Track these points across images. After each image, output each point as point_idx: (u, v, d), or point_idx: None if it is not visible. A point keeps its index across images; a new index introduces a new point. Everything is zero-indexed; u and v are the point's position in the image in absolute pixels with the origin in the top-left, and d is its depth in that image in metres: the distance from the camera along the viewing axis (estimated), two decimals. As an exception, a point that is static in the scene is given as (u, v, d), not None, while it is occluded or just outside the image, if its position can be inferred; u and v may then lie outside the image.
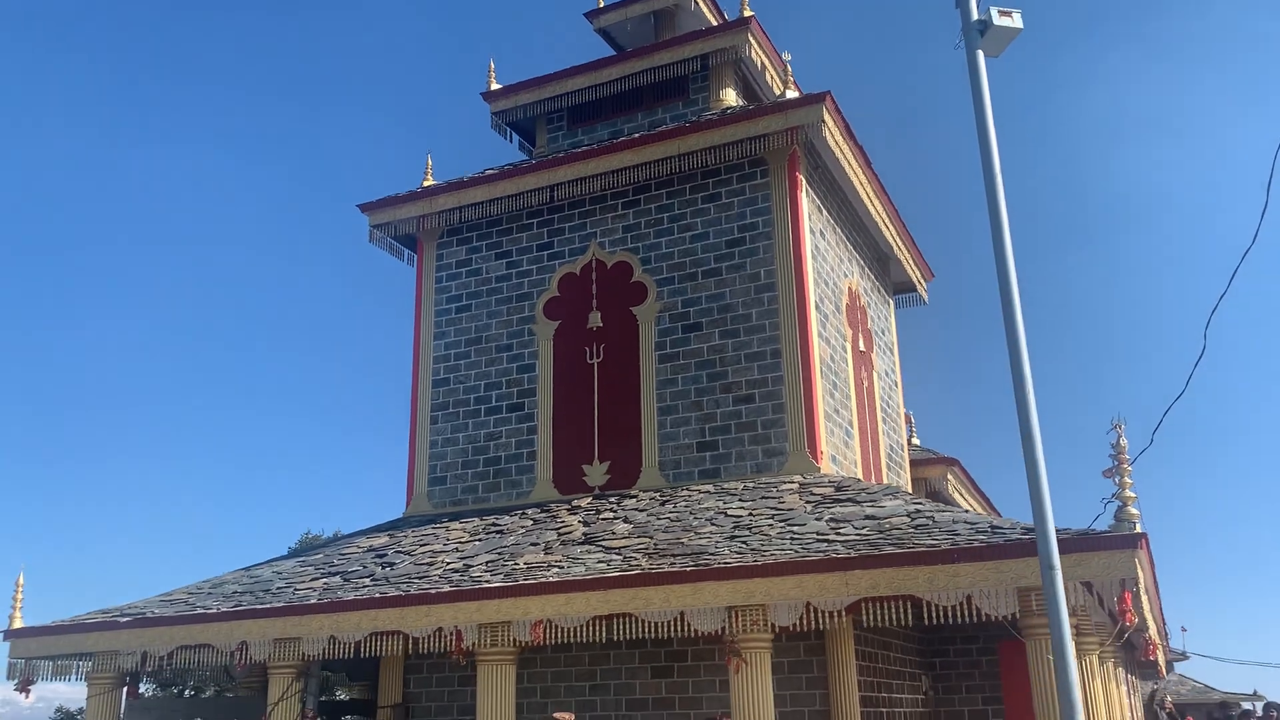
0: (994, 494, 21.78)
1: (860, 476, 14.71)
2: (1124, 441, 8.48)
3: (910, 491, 16.93)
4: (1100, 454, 7.51)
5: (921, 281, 19.28)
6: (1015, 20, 6.22)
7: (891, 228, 17.40)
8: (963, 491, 19.34)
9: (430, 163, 16.84)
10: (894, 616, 9.25)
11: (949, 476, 18.63)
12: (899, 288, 19.27)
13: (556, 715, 9.44)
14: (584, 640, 10.70)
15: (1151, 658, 12.18)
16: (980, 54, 6.32)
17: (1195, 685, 37.23)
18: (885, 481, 16.13)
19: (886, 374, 17.70)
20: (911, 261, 18.58)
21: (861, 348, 16.14)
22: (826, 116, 13.85)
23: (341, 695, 23.47)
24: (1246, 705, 32.12)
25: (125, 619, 12.55)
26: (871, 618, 9.28)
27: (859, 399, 15.57)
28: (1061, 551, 8.59)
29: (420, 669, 14.34)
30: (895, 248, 17.83)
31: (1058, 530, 8.92)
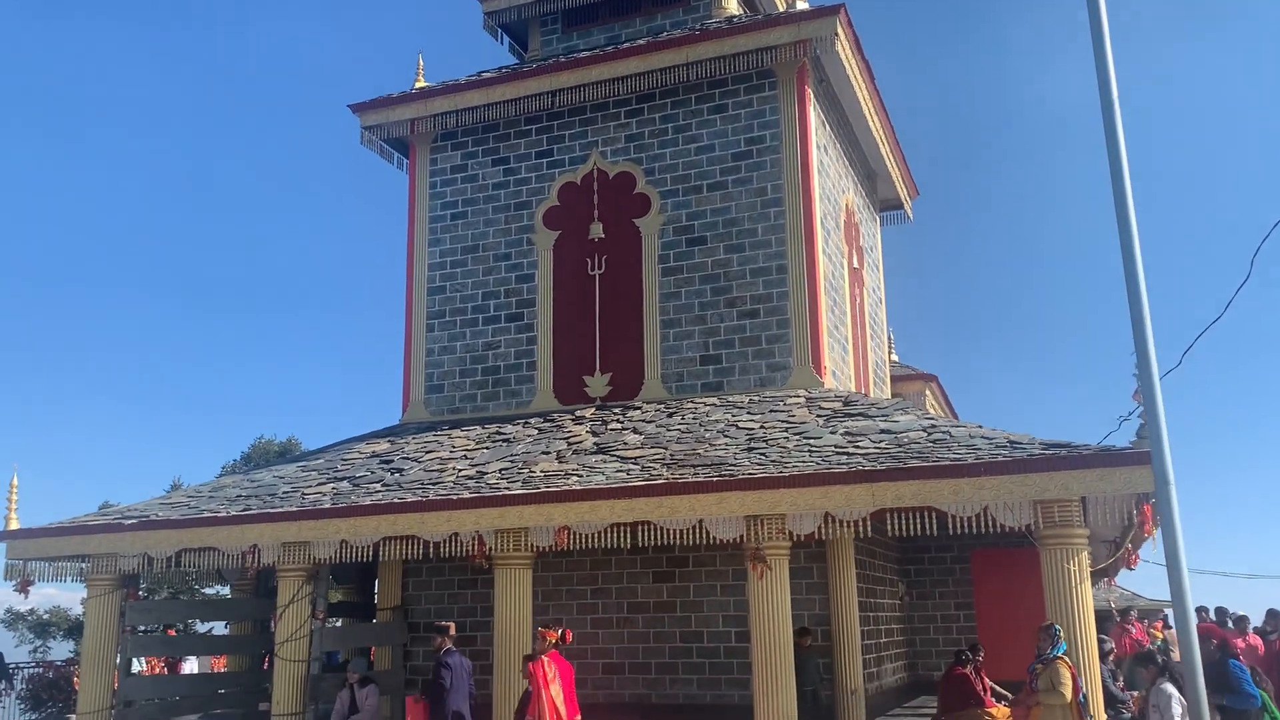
0: (964, 409, 22.41)
1: (853, 391, 15.02)
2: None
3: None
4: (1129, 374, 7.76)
5: (908, 199, 19.45)
6: None
7: (886, 145, 17.46)
8: (938, 406, 19.87)
9: (421, 63, 16.39)
10: (916, 526, 9.59)
11: (927, 392, 19.12)
12: (885, 204, 19.43)
13: (540, 630, 9.49)
14: (587, 545, 10.92)
15: (1133, 567, 12.85)
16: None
17: (1123, 592, 39.30)
18: (872, 396, 16.50)
19: (873, 291, 17.96)
20: (900, 178, 18.71)
21: (855, 264, 16.33)
22: (840, 30, 13.75)
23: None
24: (1168, 612, 34.06)
25: (130, 521, 12.47)
26: (895, 528, 9.61)
27: (853, 315, 15.82)
28: (1084, 466, 8.99)
29: (419, 573, 14.54)
30: (888, 165, 17.91)
31: (1078, 445, 9.30)
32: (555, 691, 8.81)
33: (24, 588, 12.97)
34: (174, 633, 20.28)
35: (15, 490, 13.15)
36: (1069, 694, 8.19)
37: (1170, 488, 6.28)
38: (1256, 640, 14.36)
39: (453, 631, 11.51)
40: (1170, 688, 8.08)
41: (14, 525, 13.00)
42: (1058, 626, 8.88)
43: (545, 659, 8.99)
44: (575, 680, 9.51)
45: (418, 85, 16.00)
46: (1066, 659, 8.51)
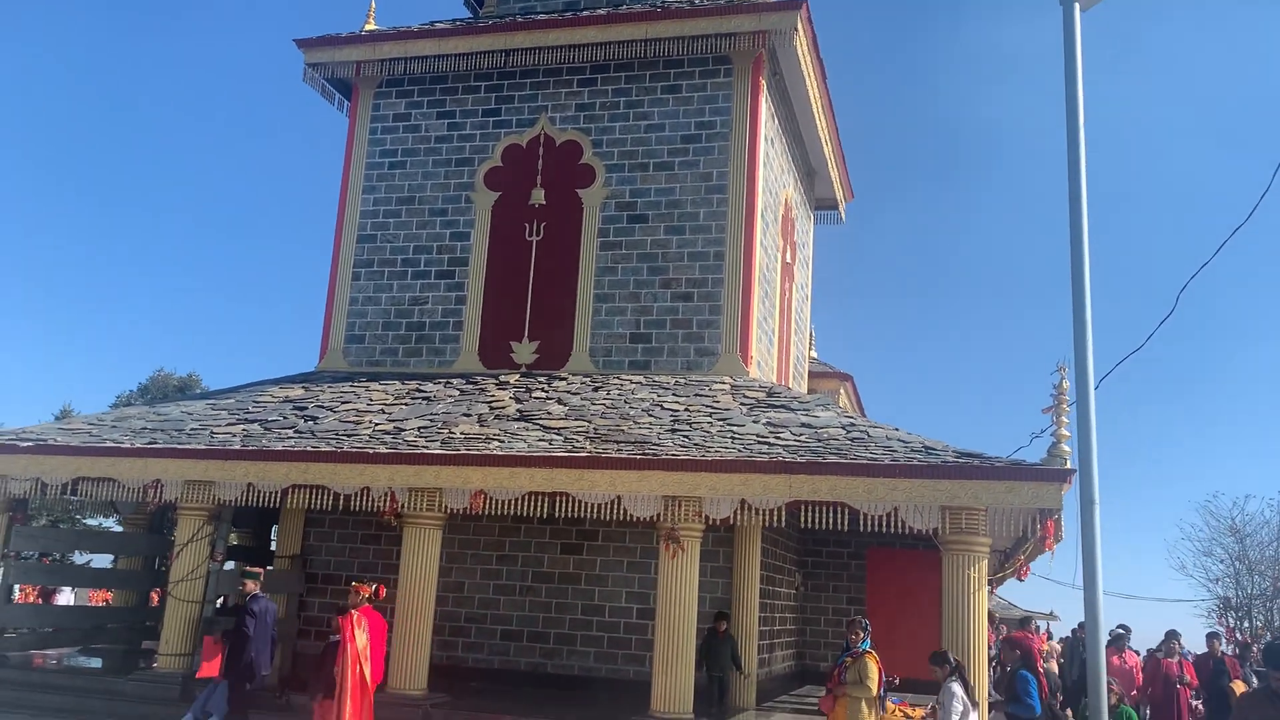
0: (874, 411, 22.90)
1: (775, 383, 15.26)
2: (1065, 383, 9.15)
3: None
4: (1041, 393, 8.09)
5: (843, 201, 19.75)
6: None
7: (830, 145, 17.69)
8: (851, 406, 20.30)
9: (374, 5, 15.98)
10: (827, 520, 9.82)
11: (842, 391, 19.51)
12: (820, 203, 19.69)
13: (354, 585, 9.62)
14: (499, 512, 10.92)
15: (1023, 578, 13.38)
16: (1077, 7, 6.52)
17: (1000, 601, 40.94)
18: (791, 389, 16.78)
19: (802, 287, 18.22)
20: (839, 180, 18.99)
21: (788, 259, 16.54)
22: (800, 25, 13.85)
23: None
24: (1040, 624, 35.55)
25: (25, 443, 11.98)
26: (807, 520, 9.82)
27: (781, 309, 16.03)
28: (995, 477, 9.32)
29: (321, 524, 14.30)
30: (828, 164, 18.16)
31: (991, 458, 9.63)
32: (362, 644, 9.01)
33: (-98, 503, 12.34)
34: (48, 561, 19.59)
35: (-99, 400, 12.49)
36: (875, 687, 8.52)
37: (1095, 507, 6.56)
38: (1133, 659, 15.04)
39: (262, 578, 11.27)
40: (956, 687, 8.48)
41: (-104, 437, 12.37)
42: (867, 621, 9.25)
43: (355, 613, 9.16)
44: (384, 638, 9.58)
45: (367, 28, 15.60)
46: (874, 653, 8.84)
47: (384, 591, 9.69)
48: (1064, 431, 9.20)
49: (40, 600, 17.77)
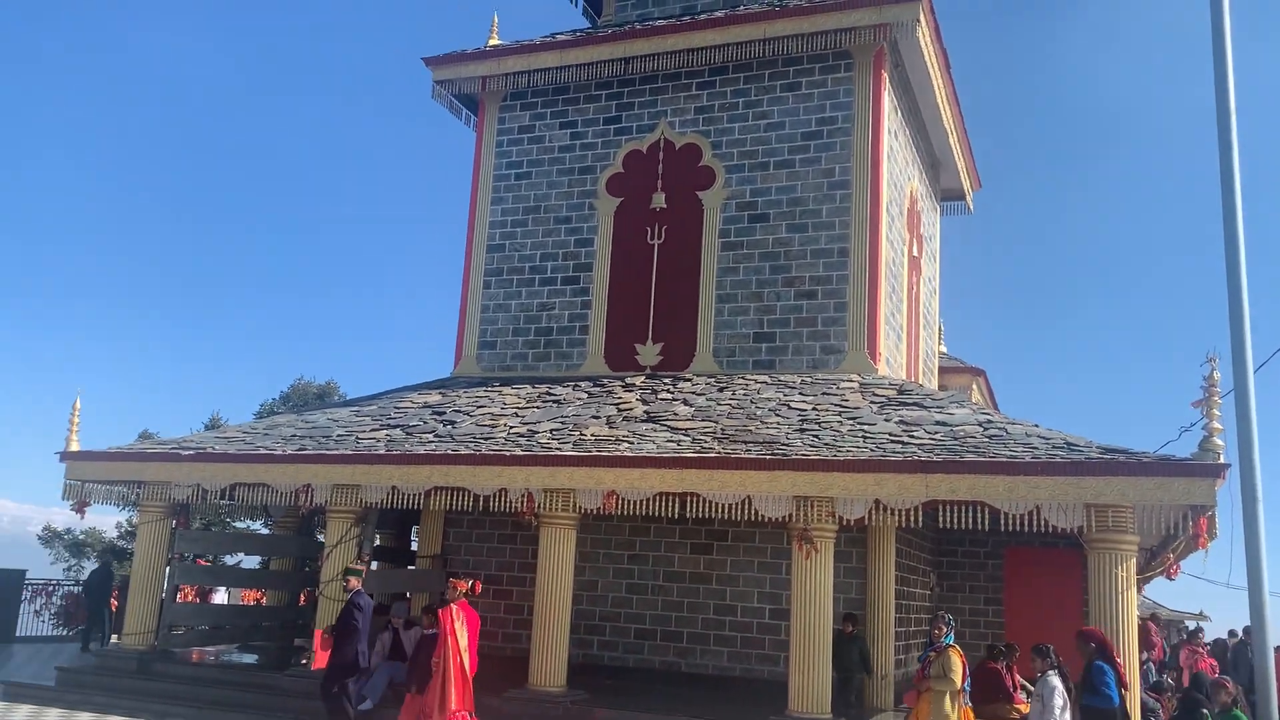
0: (1008, 406, 22.28)
1: (905, 379, 15.01)
2: (1216, 375, 8.75)
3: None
4: (1189, 386, 7.77)
5: (970, 191, 19.29)
6: None
7: (955, 134, 17.31)
8: (984, 401, 19.80)
9: (496, 22, 16.42)
10: (964, 519, 9.65)
11: (974, 386, 19.05)
12: (946, 194, 19.28)
13: (451, 580, 10.03)
14: (630, 512, 11.08)
15: (1173, 577, 12.84)
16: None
17: (1145, 601, 39.19)
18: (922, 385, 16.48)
19: (929, 280, 17.88)
20: (965, 169, 18.55)
21: (914, 253, 16.26)
22: (922, 16, 13.62)
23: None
24: (1191, 625, 33.85)
25: (187, 451, 12.76)
26: (945, 520, 9.67)
27: (909, 304, 15.78)
28: (1142, 473, 8.99)
29: (460, 524, 14.77)
30: (953, 154, 17.77)
31: (1139, 454, 9.29)
32: (461, 637, 9.36)
33: (81, 508, 13.33)
34: (205, 563, 20.77)
35: (78, 414, 13.47)
36: (959, 681, 8.43)
37: (1258, 503, 6.29)
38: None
39: (364, 574, 11.57)
40: (1055, 680, 8.38)
41: (75, 447, 13.34)
42: (950, 616, 9.13)
43: (454, 607, 9.51)
44: (478, 631, 9.86)
45: (491, 43, 16.03)
46: (958, 647, 8.72)
47: (480, 587, 10.21)
48: (1216, 425, 8.80)
49: (198, 600, 18.87)
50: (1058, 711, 8.22)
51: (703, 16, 15.00)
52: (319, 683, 10.47)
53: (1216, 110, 6.31)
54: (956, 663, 8.59)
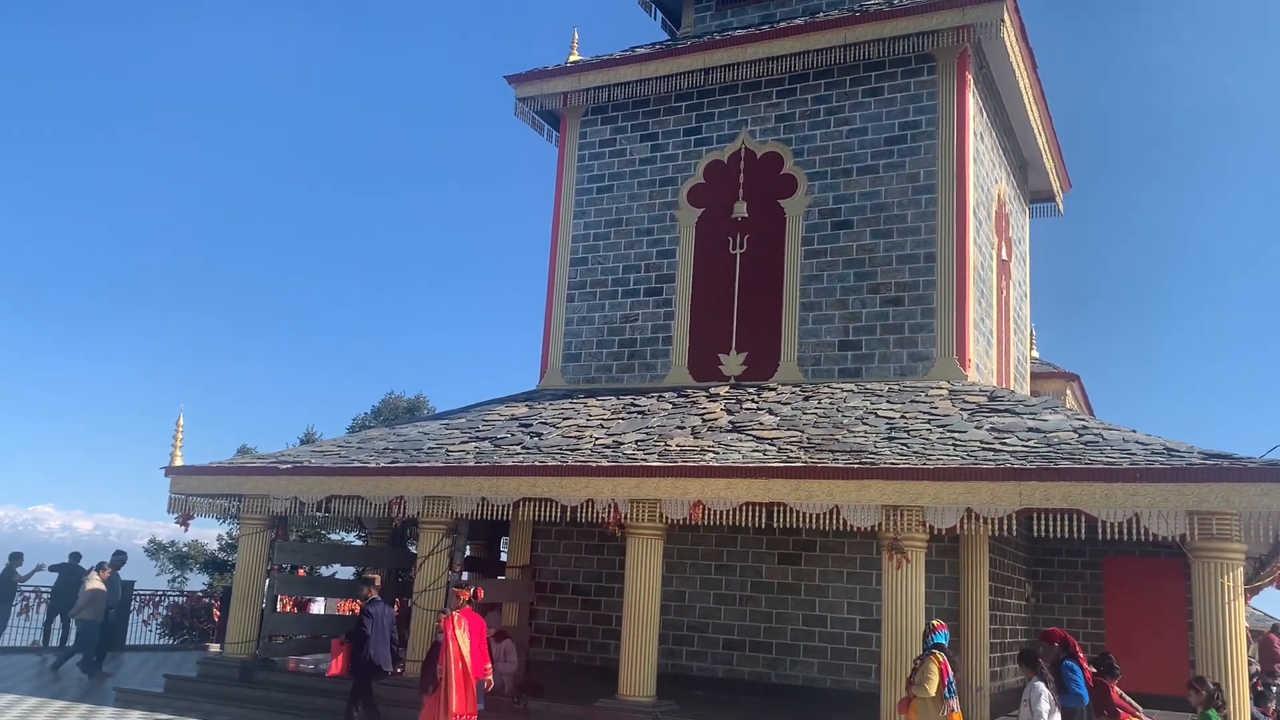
0: (1104, 412, 21.63)
1: (996, 386, 14.71)
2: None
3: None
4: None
5: (1060, 192, 18.83)
6: None
7: (1043, 135, 16.94)
8: (1079, 407, 19.27)
9: (576, 37, 16.62)
10: (1059, 528, 9.42)
11: (1068, 391, 18.56)
12: (1035, 196, 18.86)
13: (455, 590, 10.44)
14: (715, 522, 11.06)
15: (1278, 586, 12.32)
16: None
17: (1253, 612, 37.55)
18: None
19: (1019, 284, 17.50)
20: (1054, 170, 18.13)
21: (1003, 256, 15.94)
22: (1006, 15, 13.38)
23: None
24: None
25: (285, 465, 13.16)
26: (1040, 528, 9.44)
27: (998, 309, 15.46)
28: (1248, 479, 8.66)
29: (548, 534, 14.93)
30: (1042, 155, 17.38)
31: (1243, 459, 8.94)
32: (463, 641, 9.87)
33: (184, 521, 13.85)
34: (302, 574, 21.35)
35: (181, 430, 14.01)
36: (933, 689, 8.50)
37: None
38: None
39: (378, 583, 12.00)
40: (1041, 685, 8.53)
41: (179, 462, 13.87)
42: (934, 622, 8.98)
43: (456, 614, 10.04)
44: (484, 635, 10.32)
45: (571, 59, 16.24)
46: (938, 653, 8.65)
47: (481, 594, 10.75)
48: (1330, 428, 8.43)
49: (296, 610, 19.40)
50: (1045, 716, 8.37)
51: (782, 25, 14.97)
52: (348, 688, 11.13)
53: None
54: (934, 669, 8.66)
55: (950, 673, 8.65)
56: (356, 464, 12.81)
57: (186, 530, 14.33)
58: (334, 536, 33.29)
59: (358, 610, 12.56)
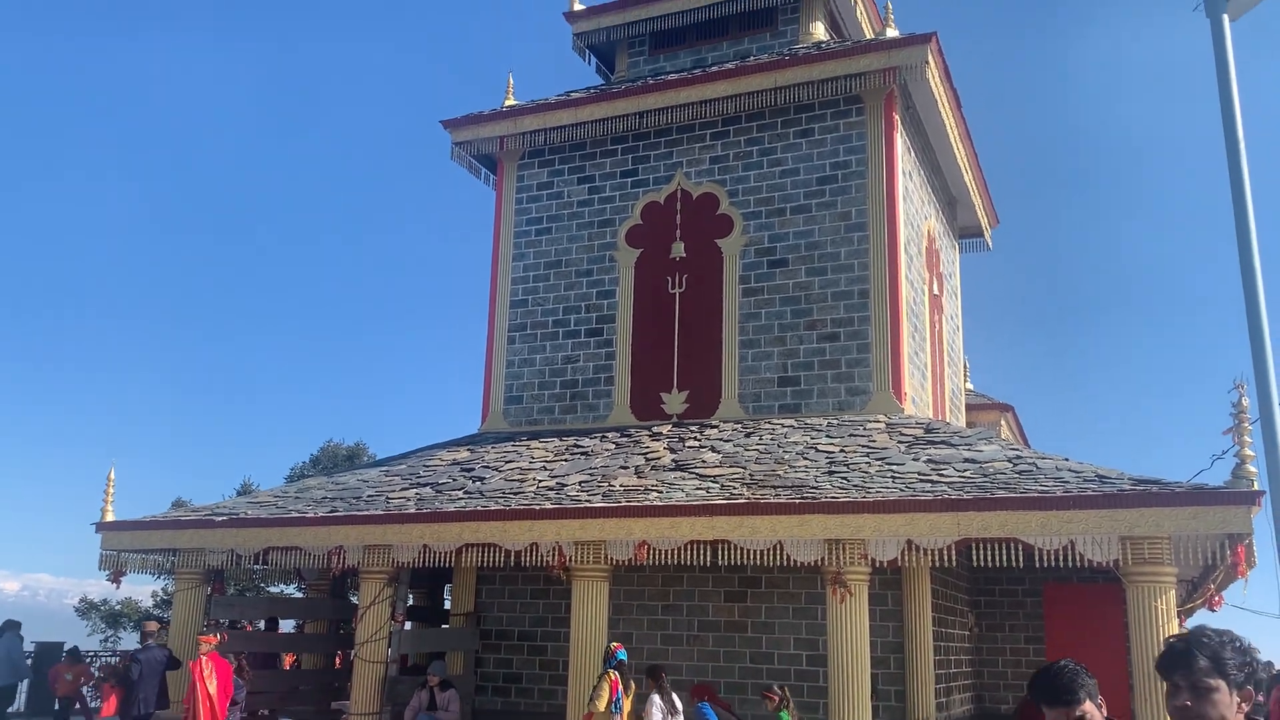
0: (1038, 441, 22.07)
1: (932, 418, 14.96)
2: (1245, 401, 8.70)
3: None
4: (1218, 412, 7.72)
5: (988, 227, 19.34)
6: None
7: (969, 172, 17.41)
8: (1014, 437, 19.65)
9: (511, 82, 16.75)
10: (999, 557, 9.56)
11: (1003, 422, 18.94)
12: (964, 231, 19.33)
13: (200, 637, 11.29)
14: (661, 562, 11.06)
15: (1215, 609, 12.63)
16: (1226, 19, 6.37)
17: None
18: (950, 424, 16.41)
19: (952, 318, 17.88)
20: (982, 207, 18.62)
21: (935, 291, 16.28)
22: (930, 58, 13.79)
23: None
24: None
25: (220, 518, 12.88)
26: (978, 558, 9.59)
27: (932, 342, 15.77)
28: (1177, 504, 8.90)
29: (492, 580, 14.75)
30: (969, 192, 17.85)
31: (1172, 484, 9.21)
32: (210, 685, 10.48)
33: (117, 578, 13.45)
34: (250, 628, 20.82)
35: (112, 484, 13.65)
36: (601, 704, 9.50)
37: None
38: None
39: (153, 629, 12.45)
40: (656, 696, 10.02)
41: (110, 518, 13.50)
42: (612, 645, 10.20)
43: (203, 659, 10.63)
44: (230, 678, 11.09)
45: (507, 103, 16.35)
46: (612, 672, 9.74)
47: (226, 637, 11.70)
48: (1248, 451, 8.72)
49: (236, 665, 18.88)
50: None
51: (713, 69, 15.26)
52: None
53: (1225, 137, 6.35)
54: (603, 688, 9.65)
55: (620, 689, 9.65)
56: (294, 514, 12.59)
57: (119, 587, 13.92)
58: (273, 589, 32.53)
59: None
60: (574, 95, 16.01)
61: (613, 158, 15.75)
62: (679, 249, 14.94)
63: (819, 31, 16.06)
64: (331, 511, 12.51)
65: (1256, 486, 8.68)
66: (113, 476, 13.73)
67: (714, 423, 13.97)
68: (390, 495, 12.87)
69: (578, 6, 17.33)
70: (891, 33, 14.22)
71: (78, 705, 16.67)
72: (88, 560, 14.07)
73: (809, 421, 13.34)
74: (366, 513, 12.18)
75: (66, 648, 17.31)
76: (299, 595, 23.68)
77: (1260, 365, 6.36)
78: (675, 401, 14.48)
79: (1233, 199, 6.34)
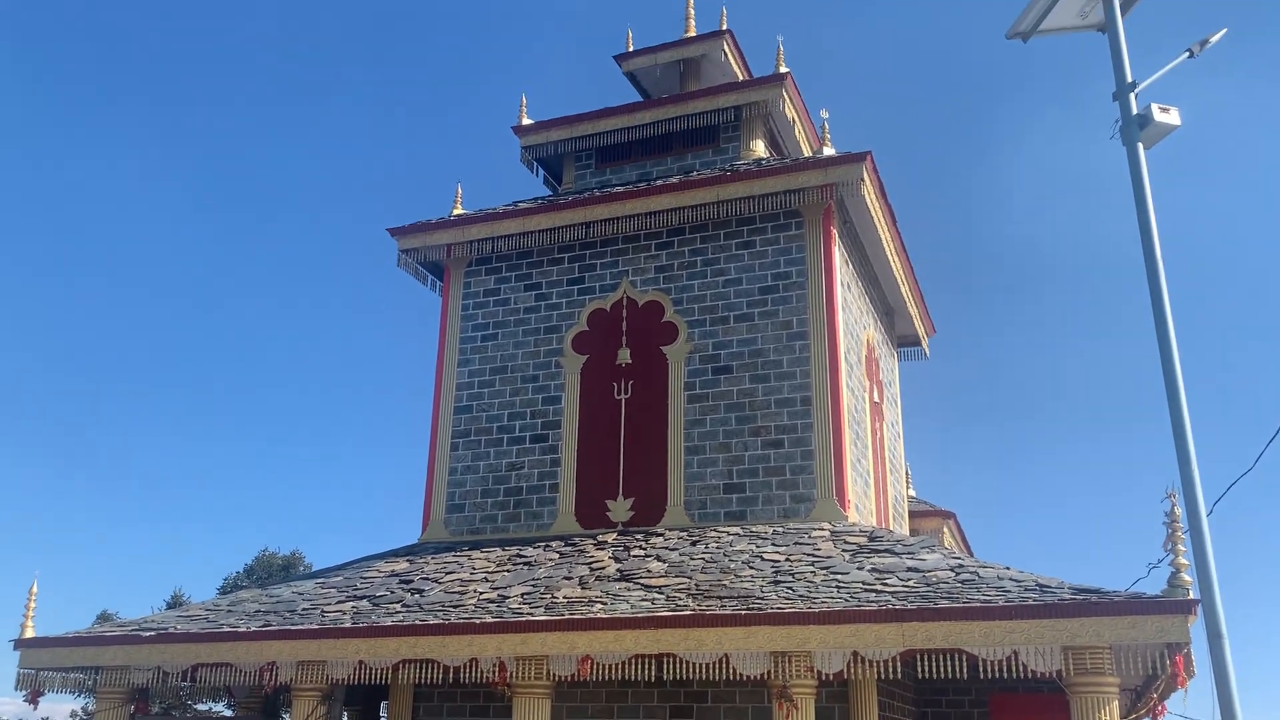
0: (981, 548, 22.24)
1: (876, 526, 15.03)
2: (1178, 510, 8.88)
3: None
4: (1153, 518, 7.88)
5: (925, 337, 19.80)
6: (1173, 117, 6.65)
7: (906, 284, 17.90)
8: (957, 544, 19.78)
9: (460, 191, 17.01)
10: (944, 668, 9.52)
11: (945, 529, 19.07)
12: (903, 340, 19.77)
13: None
14: (606, 677, 10.82)
15: (1158, 718, 12.61)
16: (1140, 147, 6.73)
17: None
18: (894, 531, 16.47)
19: (893, 425, 18.13)
20: (919, 317, 19.10)
21: (876, 399, 16.54)
22: (865, 175, 14.30)
23: None
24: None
25: (147, 633, 12.38)
26: (923, 669, 9.53)
27: (874, 449, 15.94)
28: (1116, 613, 8.99)
29: (430, 697, 14.28)
30: (906, 303, 18.32)
31: (1110, 593, 9.30)
32: None
33: (34, 698, 12.79)
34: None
35: (34, 599, 13.10)
36: None
37: (1223, 640, 6.31)
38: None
39: None
40: None
41: (29, 634, 12.92)
42: None
43: None
44: None
45: (456, 212, 16.57)
46: None
47: None
48: (1182, 560, 8.87)
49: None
50: None
51: (658, 182, 15.66)
52: None
53: (1145, 261, 6.65)
54: None
55: None
56: (226, 628, 12.15)
57: (36, 708, 13.22)
58: (201, 707, 31.13)
59: None
60: (522, 205, 16.28)
61: (560, 266, 15.96)
62: (625, 355, 15.06)
63: (759, 148, 16.61)
64: (264, 625, 12.10)
65: (1192, 595, 8.80)
66: (35, 590, 13.18)
67: (660, 530, 13.88)
68: (325, 609, 12.50)
69: (526, 121, 17.76)
70: (828, 151, 14.76)
71: None
72: (3, 678, 13.27)
73: (754, 529, 13.31)
74: (300, 627, 11.80)
75: None
76: (228, 714, 22.69)
77: (1187, 479, 6.53)
78: (621, 509, 14.38)
79: (1154, 317, 6.60)
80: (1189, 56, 7.01)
